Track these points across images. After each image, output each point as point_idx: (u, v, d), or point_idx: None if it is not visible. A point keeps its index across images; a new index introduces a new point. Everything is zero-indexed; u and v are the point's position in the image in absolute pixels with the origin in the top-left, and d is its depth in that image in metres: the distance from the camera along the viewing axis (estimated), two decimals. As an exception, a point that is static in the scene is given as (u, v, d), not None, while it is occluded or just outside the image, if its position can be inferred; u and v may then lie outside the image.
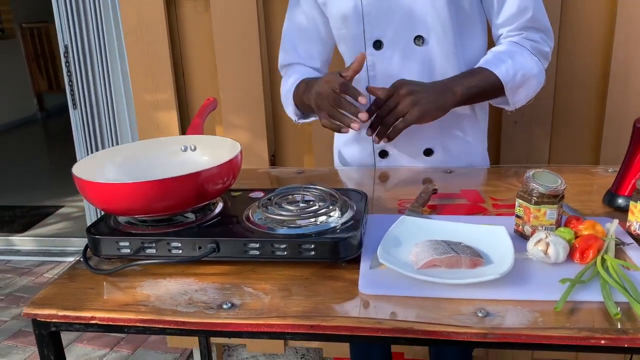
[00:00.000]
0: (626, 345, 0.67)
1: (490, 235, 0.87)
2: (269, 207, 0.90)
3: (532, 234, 0.86)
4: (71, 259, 3.05)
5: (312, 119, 1.32)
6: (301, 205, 0.90)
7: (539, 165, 1.06)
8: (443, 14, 1.14)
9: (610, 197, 1.03)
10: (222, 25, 1.72)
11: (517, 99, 1.17)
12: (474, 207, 1.04)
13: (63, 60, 2.65)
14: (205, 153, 1.03)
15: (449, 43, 1.17)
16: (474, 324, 0.70)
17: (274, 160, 1.89)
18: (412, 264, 0.82)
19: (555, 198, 0.86)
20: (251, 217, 0.89)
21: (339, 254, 0.83)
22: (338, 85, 1.05)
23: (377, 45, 1.21)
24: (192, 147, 1.05)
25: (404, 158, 1.29)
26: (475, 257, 0.80)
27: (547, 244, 0.80)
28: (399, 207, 1.06)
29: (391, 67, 1.21)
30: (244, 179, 1.27)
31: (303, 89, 1.21)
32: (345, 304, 0.76)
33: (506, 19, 1.17)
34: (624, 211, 0.95)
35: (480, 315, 0.71)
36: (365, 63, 1.18)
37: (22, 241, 3.26)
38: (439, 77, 1.18)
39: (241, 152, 0.94)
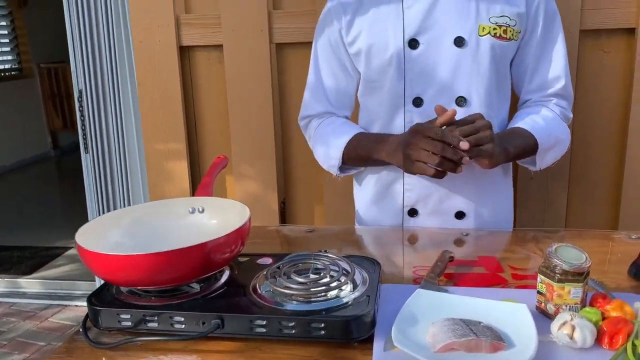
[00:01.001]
0: None
1: (512, 314, 0.82)
2: (278, 279, 0.86)
3: (556, 313, 0.81)
4: (77, 302, 3.00)
5: (354, 171, 1.31)
6: (311, 276, 0.86)
7: (556, 230, 1.03)
8: (486, 77, 1.18)
9: (636, 270, 0.97)
10: (235, 76, 1.72)
11: (545, 161, 1.20)
12: (493, 278, 1.00)
13: (77, 104, 2.67)
14: (213, 216, 1.00)
15: (488, 106, 1.19)
16: (497, 421, 0.65)
17: (283, 209, 1.86)
18: (429, 346, 0.77)
19: (580, 276, 0.81)
20: (258, 289, 0.85)
21: (351, 334, 0.78)
22: (435, 134, 1.03)
23: (417, 102, 1.20)
24: (200, 209, 1.02)
25: (434, 219, 1.26)
26: (496, 341, 0.75)
27: (573, 327, 0.75)
28: (414, 276, 1.02)
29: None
30: (252, 237, 1.23)
31: (368, 144, 1.20)
32: (356, 391, 0.71)
33: (538, 85, 1.22)
34: (652, 285, 0.90)
35: (503, 409, 0.66)
36: (402, 119, 1.22)
37: (29, 283, 3.22)
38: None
39: (250, 218, 0.91)
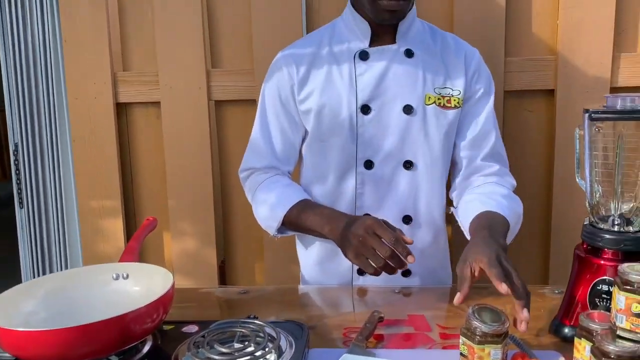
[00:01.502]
0: None
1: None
2: (200, 349, 0.84)
3: None
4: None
5: (290, 234, 1.29)
6: (236, 345, 0.85)
7: (486, 285, 1.04)
8: (432, 143, 1.23)
9: (556, 326, 1.00)
10: (173, 132, 1.71)
11: (509, 240, 1.17)
12: (421, 338, 1.00)
13: (12, 158, 2.59)
14: (137, 283, 0.98)
15: (435, 170, 1.25)
16: None
17: (223, 267, 1.83)
18: (352, 415, 0.76)
19: (499, 337, 0.83)
20: (180, 360, 0.83)
21: (274, 406, 0.76)
22: (390, 237, 1.00)
23: (368, 164, 1.24)
24: (124, 276, 1.00)
25: (381, 276, 1.26)
26: (418, 408, 0.75)
27: (493, 391, 0.76)
28: (344, 338, 1.01)
29: (380, 186, 1.25)
30: (184, 301, 1.21)
31: (312, 216, 1.17)
32: None
33: (475, 147, 1.26)
34: (571, 342, 0.92)
35: None
36: (354, 180, 1.25)
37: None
38: (423, 199, 1.27)
39: (173, 285, 0.89)
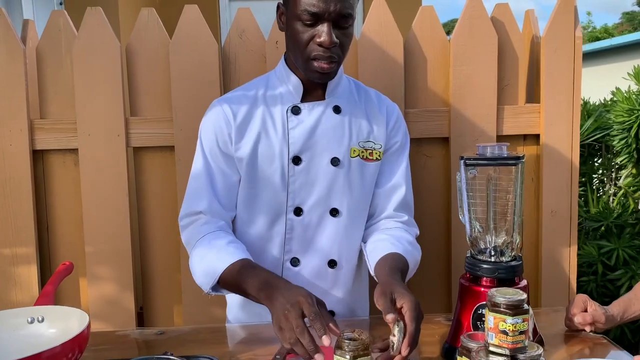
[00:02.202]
0: None
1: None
2: (115, 385, 0.88)
3: None
4: None
5: (225, 293, 1.27)
6: (150, 380, 0.90)
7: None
8: (355, 193, 1.33)
9: (446, 350, 1.13)
10: (91, 179, 1.74)
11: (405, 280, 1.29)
12: (326, 366, 1.09)
13: None
14: (53, 325, 1.01)
15: (358, 217, 1.36)
16: None
17: (141, 312, 1.84)
18: None
19: (366, 349, 0.96)
20: (95, 397, 0.87)
21: None
22: (311, 313, 1.01)
23: (298, 211, 1.32)
24: (40, 319, 1.02)
25: None
26: None
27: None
28: (256, 370, 1.08)
29: (307, 232, 1.33)
30: (100, 343, 1.23)
31: (252, 281, 1.15)
32: None
33: (389, 197, 1.37)
34: (458, 362, 1.04)
35: None
36: (284, 226, 1.31)
37: None
38: (345, 245, 1.35)
39: (89, 325, 0.93)
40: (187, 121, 1.71)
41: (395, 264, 1.21)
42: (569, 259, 1.84)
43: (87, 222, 1.75)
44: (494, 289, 0.96)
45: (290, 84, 1.32)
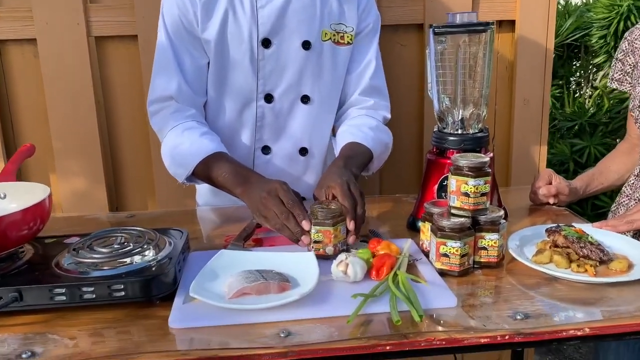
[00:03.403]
0: (407, 349, 0.75)
1: (300, 261, 0.93)
2: (80, 252, 0.88)
3: (335, 252, 0.97)
4: None
5: (199, 183, 1.28)
6: (115, 246, 0.90)
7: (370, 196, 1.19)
8: (327, 78, 1.29)
9: (411, 221, 1.15)
10: (53, 70, 1.67)
11: (375, 166, 1.30)
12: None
13: None
14: (14, 200, 0.99)
15: (329, 104, 1.33)
16: (276, 344, 0.74)
17: (115, 209, 1.84)
18: (225, 294, 0.85)
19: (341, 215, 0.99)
20: (61, 263, 0.87)
21: (151, 292, 0.83)
22: (289, 200, 1.03)
23: (268, 98, 1.28)
24: (2, 195, 1.01)
25: None
26: (283, 282, 0.86)
27: (347, 265, 0.88)
28: (225, 243, 1.09)
29: (279, 119, 1.30)
30: (71, 226, 1.23)
31: (225, 174, 1.15)
32: (154, 341, 0.76)
33: (360, 82, 1.34)
34: (423, 232, 1.07)
35: (282, 335, 0.76)
36: (254, 113, 1.28)
37: None
38: (316, 132, 1.34)
39: (50, 196, 0.92)
40: (149, 9, 1.62)
41: (344, 153, 1.21)
42: (539, 149, 1.86)
43: (53, 117, 1.70)
44: (458, 154, 0.96)
45: None
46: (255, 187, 1.09)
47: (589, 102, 3.25)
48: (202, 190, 1.42)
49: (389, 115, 1.40)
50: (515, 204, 1.27)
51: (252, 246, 1.08)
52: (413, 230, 1.14)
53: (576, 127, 2.93)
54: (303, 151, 1.35)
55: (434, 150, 1.13)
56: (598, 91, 3.19)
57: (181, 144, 1.21)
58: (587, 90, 3.40)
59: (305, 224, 1.01)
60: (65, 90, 1.68)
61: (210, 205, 1.40)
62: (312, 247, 0.99)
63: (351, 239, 1.01)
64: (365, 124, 1.31)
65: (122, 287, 0.82)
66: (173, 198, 1.75)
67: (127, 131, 1.76)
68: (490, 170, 0.93)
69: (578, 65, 3.43)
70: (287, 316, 0.80)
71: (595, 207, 2.60)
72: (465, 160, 0.92)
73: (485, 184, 0.92)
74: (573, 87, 3.45)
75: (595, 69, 3.37)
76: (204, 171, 1.19)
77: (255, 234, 1.11)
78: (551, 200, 1.21)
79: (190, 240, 1.06)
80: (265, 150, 1.33)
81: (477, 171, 0.91)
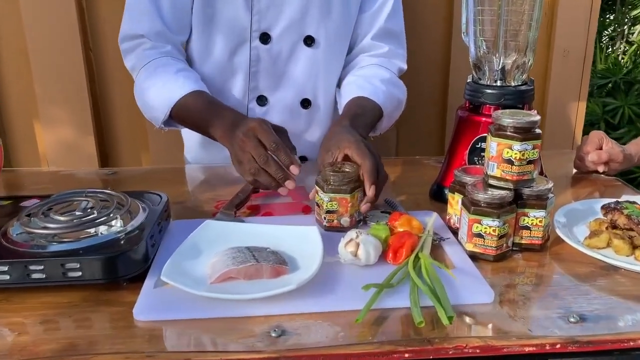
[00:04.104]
0: (431, 357, 0.59)
1: (301, 237, 0.77)
2: (33, 219, 0.72)
3: (352, 223, 0.81)
4: None
5: (179, 127, 1.11)
6: (77, 214, 0.74)
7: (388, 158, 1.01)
8: (335, 19, 1.10)
9: (436, 190, 0.97)
10: (34, 11, 1.48)
11: (385, 125, 1.12)
12: (296, 206, 0.94)
13: None
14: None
15: (337, 48, 1.13)
16: (265, 347, 0.59)
17: (107, 163, 1.68)
18: (207, 277, 0.69)
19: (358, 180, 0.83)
20: (9, 233, 0.72)
21: (116, 272, 0.68)
22: (271, 142, 0.86)
23: (264, 38, 1.09)
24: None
25: None
26: (279, 265, 0.69)
27: (357, 245, 0.71)
28: (215, 210, 0.93)
29: (277, 64, 1.12)
30: (40, 183, 1.08)
31: (202, 114, 0.99)
32: (114, 336, 0.61)
33: (368, 17, 1.15)
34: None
35: (274, 335, 0.60)
36: (248, 56, 1.10)
37: None
38: (322, 81, 1.15)
39: (1, 146, 0.76)
40: None
41: (351, 110, 1.02)
42: (577, 109, 1.66)
43: (34, 60, 1.52)
44: (500, 110, 0.78)
45: None
46: (234, 128, 0.92)
47: (623, 58, 3.00)
48: (190, 143, 1.25)
49: (404, 66, 1.20)
50: (553, 172, 1.08)
51: (246, 215, 0.91)
52: (437, 200, 0.96)
53: (609, 85, 2.70)
54: (305, 103, 1.17)
55: (467, 106, 0.94)
56: (634, 47, 2.94)
57: (154, 85, 1.04)
58: (621, 45, 3.15)
59: (294, 169, 0.85)
60: (48, 32, 1.50)
61: (200, 162, 1.23)
62: (325, 218, 0.82)
63: (364, 207, 0.84)
64: (376, 75, 1.12)
65: (78, 266, 0.66)
66: (168, 153, 1.59)
67: (119, 79, 1.58)
68: (540, 132, 0.75)
69: (612, 18, 3.17)
70: (281, 309, 0.64)
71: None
72: (510, 118, 0.74)
73: (533, 149, 0.74)
74: (605, 41, 3.19)
75: (631, 23, 3.11)
76: (180, 114, 1.02)
77: (250, 200, 0.95)
78: (600, 169, 1.03)
79: (174, 205, 0.90)
80: (261, 101, 1.15)
81: (525, 133, 0.73)
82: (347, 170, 0.83)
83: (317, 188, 0.83)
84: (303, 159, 1.21)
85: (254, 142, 0.86)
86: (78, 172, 1.17)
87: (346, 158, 0.86)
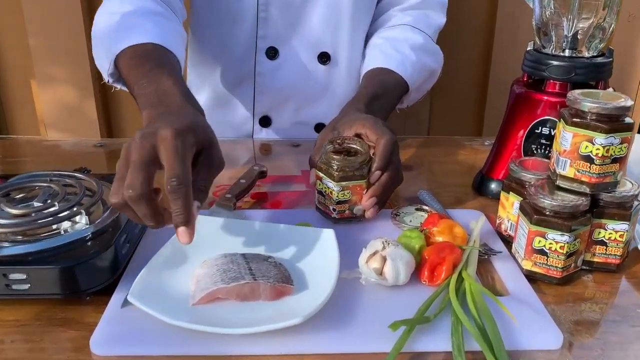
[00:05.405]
0: None
1: (313, 243, 0.61)
2: (-23, 211, 0.58)
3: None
4: None
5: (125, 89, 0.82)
6: (35, 205, 0.60)
7: (416, 137, 0.84)
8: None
9: (480, 181, 0.80)
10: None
11: (413, 98, 0.97)
12: (310, 196, 0.78)
13: None
14: None
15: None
16: (257, 405, 0.44)
17: (110, 128, 1.54)
18: (190, 296, 0.54)
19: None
20: (-53, 227, 0.57)
21: (76, 287, 0.53)
22: (173, 176, 0.50)
23: (271, 53, 0.95)
24: None
25: (290, 130, 1.05)
26: (280, 284, 0.54)
27: (384, 259, 0.56)
28: (213, 198, 0.78)
29: (290, 10, 0.94)
30: (19, 155, 0.94)
31: (146, 82, 0.65)
32: (63, 374, 0.47)
33: None
34: (497, 199, 0.72)
35: (269, 386, 0.46)
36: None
37: None
38: (344, 32, 0.97)
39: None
40: None
41: (372, 88, 0.85)
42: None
43: (28, 10, 1.37)
44: (578, 90, 0.60)
45: None
46: (150, 123, 0.57)
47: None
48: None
49: (443, 20, 1.01)
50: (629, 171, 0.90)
51: (249, 205, 0.76)
52: (482, 194, 0.79)
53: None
54: (323, 57, 0.99)
55: (525, 80, 0.76)
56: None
57: (111, 22, 0.78)
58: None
59: (182, 234, 0.51)
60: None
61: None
62: (335, 210, 0.67)
63: (369, 210, 0.67)
64: (407, 39, 0.94)
65: (25, 277, 0.52)
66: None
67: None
68: (632, 122, 0.57)
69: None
70: (281, 348, 0.49)
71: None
72: (591, 102, 0.56)
73: (621, 143, 0.56)
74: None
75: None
76: (125, 69, 0.73)
77: (257, 186, 0.79)
78: None
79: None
80: (271, 53, 0.97)
81: (613, 122, 0.55)
82: (357, 147, 0.67)
83: (320, 174, 0.68)
84: (321, 125, 1.04)
85: (145, 160, 0.50)
86: (64, 143, 1.02)
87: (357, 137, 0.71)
